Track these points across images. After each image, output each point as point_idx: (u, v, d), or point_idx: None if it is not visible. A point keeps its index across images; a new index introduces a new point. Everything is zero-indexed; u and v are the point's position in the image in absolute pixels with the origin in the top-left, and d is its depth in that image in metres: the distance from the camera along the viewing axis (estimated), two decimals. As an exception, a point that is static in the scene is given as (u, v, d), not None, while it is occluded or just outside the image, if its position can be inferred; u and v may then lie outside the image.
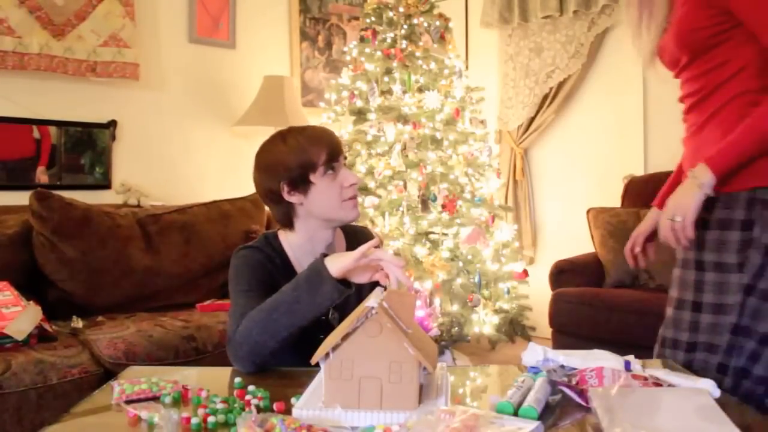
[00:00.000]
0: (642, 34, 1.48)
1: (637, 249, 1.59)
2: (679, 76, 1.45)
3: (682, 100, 1.47)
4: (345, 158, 1.45)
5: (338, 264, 1.20)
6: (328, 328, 1.34)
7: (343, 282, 1.22)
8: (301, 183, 1.37)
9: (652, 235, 1.56)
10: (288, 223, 1.43)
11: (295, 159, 1.37)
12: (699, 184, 1.30)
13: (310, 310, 1.22)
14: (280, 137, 1.41)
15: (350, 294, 1.25)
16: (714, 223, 1.35)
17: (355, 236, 1.55)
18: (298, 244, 1.44)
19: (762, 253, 1.31)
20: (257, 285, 1.35)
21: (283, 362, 1.29)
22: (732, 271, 1.32)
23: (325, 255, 1.24)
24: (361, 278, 1.25)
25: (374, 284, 1.25)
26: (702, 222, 1.36)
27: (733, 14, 1.30)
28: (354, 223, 1.52)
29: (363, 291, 1.33)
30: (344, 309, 1.35)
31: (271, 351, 1.24)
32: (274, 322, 1.22)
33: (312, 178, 1.37)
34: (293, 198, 1.39)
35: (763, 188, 1.31)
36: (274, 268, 1.40)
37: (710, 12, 1.32)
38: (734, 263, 1.32)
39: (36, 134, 2.96)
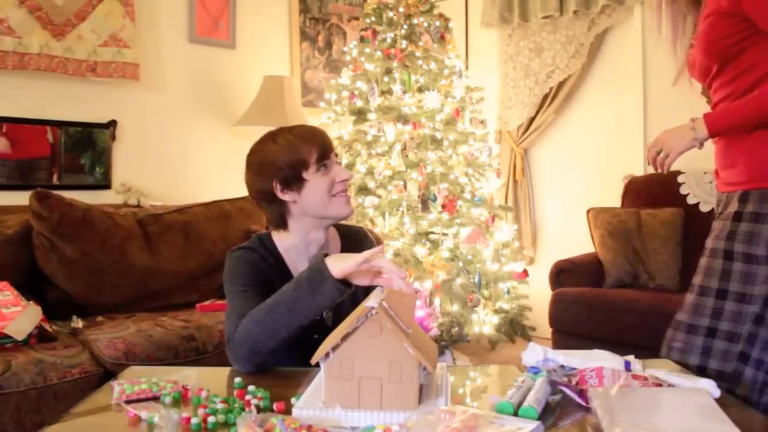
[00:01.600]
0: (676, 53, 1.59)
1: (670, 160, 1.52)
2: (711, 85, 1.52)
3: (714, 106, 1.53)
4: (336, 155, 1.45)
5: (340, 265, 1.20)
6: (323, 327, 1.35)
7: (343, 282, 1.22)
8: (294, 181, 1.37)
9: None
10: (282, 223, 1.43)
11: (287, 157, 1.37)
12: (694, 136, 1.43)
13: (311, 309, 1.22)
14: (270, 137, 1.41)
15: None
16: (747, 215, 1.41)
17: (351, 237, 1.54)
18: (292, 244, 1.44)
19: None
20: (253, 285, 1.35)
21: (278, 361, 1.29)
22: (761, 263, 1.37)
23: (325, 255, 1.24)
24: (360, 281, 1.25)
25: (369, 286, 1.25)
26: (735, 214, 1.43)
27: (752, 20, 1.37)
28: (350, 223, 1.51)
29: (358, 292, 1.33)
30: (338, 308, 1.35)
31: (271, 350, 1.24)
32: (275, 322, 1.22)
33: (305, 175, 1.38)
34: (287, 196, 1.39)
35: None
36: (269, 268, 1.40)
37: (732, 21, 1.39)
38: (764, 255, 1.37)
39: (50, 137, 2.96)
